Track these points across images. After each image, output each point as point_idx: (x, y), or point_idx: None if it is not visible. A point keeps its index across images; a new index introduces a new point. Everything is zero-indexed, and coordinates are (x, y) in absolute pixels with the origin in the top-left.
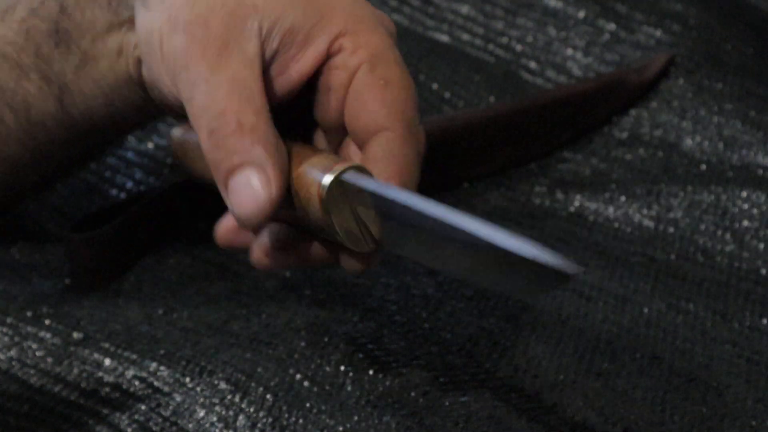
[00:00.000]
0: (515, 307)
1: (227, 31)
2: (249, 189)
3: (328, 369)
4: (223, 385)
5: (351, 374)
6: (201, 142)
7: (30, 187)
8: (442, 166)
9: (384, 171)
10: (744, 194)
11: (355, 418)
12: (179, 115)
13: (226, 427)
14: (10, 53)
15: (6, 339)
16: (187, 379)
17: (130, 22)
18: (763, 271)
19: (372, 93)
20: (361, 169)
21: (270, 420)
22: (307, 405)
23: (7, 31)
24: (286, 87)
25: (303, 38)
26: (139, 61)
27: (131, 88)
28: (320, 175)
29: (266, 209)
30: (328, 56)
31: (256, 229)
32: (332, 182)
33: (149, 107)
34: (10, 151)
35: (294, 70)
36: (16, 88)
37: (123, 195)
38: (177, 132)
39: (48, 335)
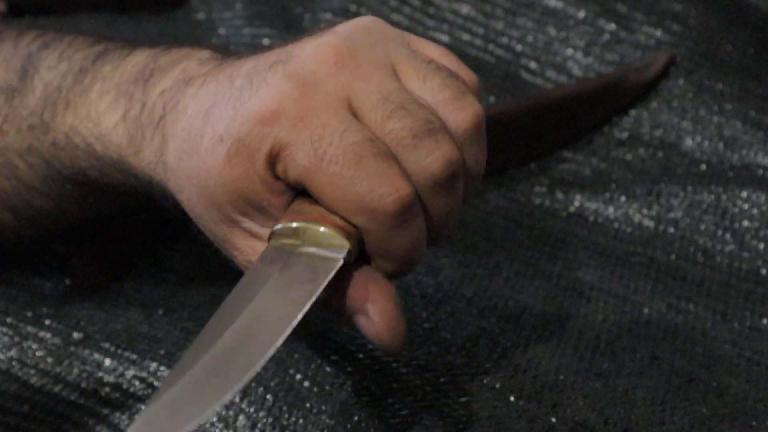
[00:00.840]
0: (515, 307)
1: None
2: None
3: (328, 369)
4: None
5: (351, 374)
6: None
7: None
8: None
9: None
10: (744, 194)
11: (355, 418)
12: None
13: (226, 427)
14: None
15: (6, 339)
16: None
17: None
18: (763, 271)
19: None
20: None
21: (270, 420)
22: (307, 405)
23: (29, 171)
24: None
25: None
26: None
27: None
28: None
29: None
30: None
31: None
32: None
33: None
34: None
35: None
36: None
37: None
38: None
39: (48, 335)
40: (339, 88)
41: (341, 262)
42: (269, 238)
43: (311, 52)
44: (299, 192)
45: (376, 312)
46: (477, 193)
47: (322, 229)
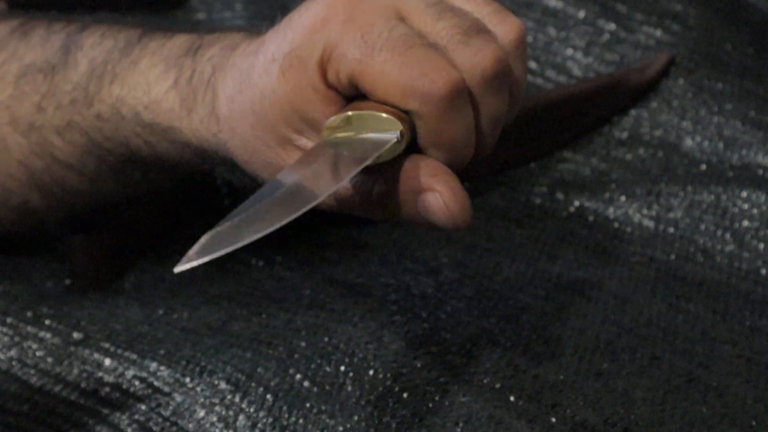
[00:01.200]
0: (515, 307)
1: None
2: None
3: (328, 369)
4: (223, 385)
5: (351, 374)
6: None
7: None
8: None
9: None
10: (744, 194)
11: (355, 418)
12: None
13: (226, 427)
14: (75, 165)
15: (6, 339)
16: (187, 379)
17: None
18: (763, 271)
19: None
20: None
21: (270, 420)
22: (307, 405)
23: (66, 146)
24: None
25: None
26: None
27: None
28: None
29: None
30: None
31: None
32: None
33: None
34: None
35: None
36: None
37: None
38: None
39: (48, 335)
40: None
41: (395, 139)
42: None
43: None
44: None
45: (444, 187)
46: (511, 120)
47: (374, 113)
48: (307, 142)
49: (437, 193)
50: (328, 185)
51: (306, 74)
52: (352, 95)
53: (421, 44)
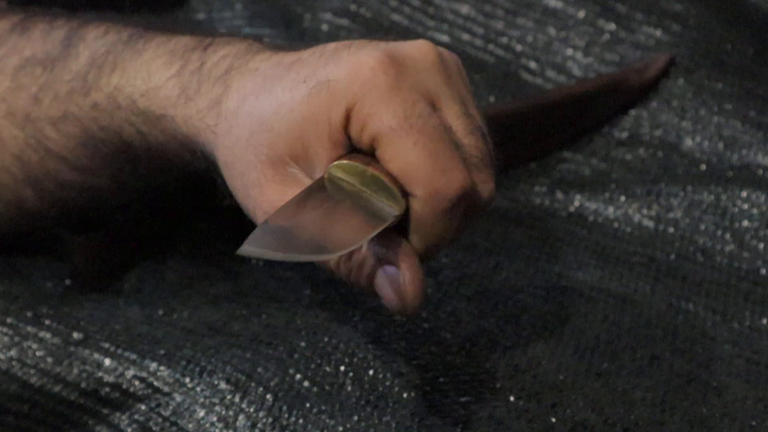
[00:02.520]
0: (515, 307)
1: None
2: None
3: (328, 369)
4: (223, 385)
5: (351, 374)
6: None
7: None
8: None
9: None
10: (744, 194)
11: (355, 418)
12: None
13: (226, 427)
14: (68, 158)
15: (6, 339)
16: (187, 379)
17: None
18: (763, 271)
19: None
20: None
21: (270, 420)
22: (307, 405)
23: (60, 138)
24: None
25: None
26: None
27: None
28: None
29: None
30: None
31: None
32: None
33: None
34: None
35: None
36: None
37: None
38: None
39: (48, 335)
40: (431, 83)
41: (392, 219)
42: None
43: (413, 44)
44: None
45: (409, 269)
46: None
47: (387, 184)
48: (294, 172)
49: (401, 271)
50: (311, 256)
51: (330, 109)
52: (358, 149)
53: (450, 143)
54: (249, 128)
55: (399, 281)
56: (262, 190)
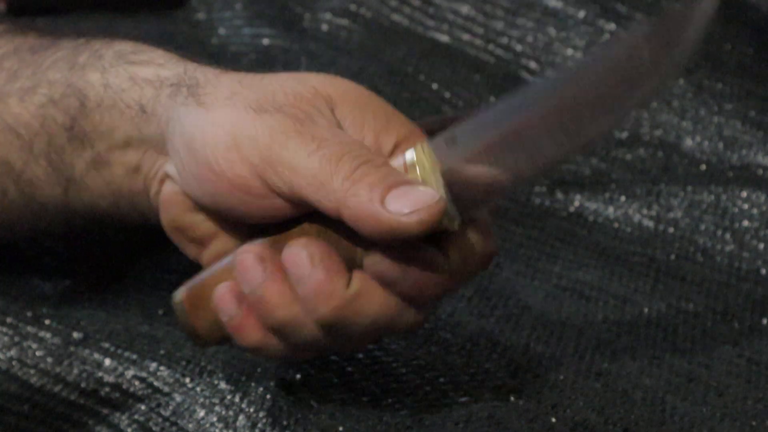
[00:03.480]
0: (515, 306)
1: (312, 109)
2: (416, 192)
3: (328, 369)
4: (223, 385)
5: (351, 374)
6: (324, 197)
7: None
8: None
9: None
10: (744, 194)
11: (355, 418)
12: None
13: (226, 427)
14: (23, 134)
15: (6, 339)
16: (187, 379)
17: (155, 146)
18: (763, 271)
19: None
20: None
21: (270, 420)
22: (307, 405)
23: (23, 112)
24: None
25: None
26: (162, 181)
27: (144, 200)
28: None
29: (441, 204)
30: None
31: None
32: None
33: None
34: (8, 218)
35: None
36: (24, 168)
37: None
38: (180, 293)
39: (48, 335)
40: None
41: None
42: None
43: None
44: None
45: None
46: None
47: None
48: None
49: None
50: None
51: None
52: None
53: None
54: (230, 123)
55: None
56: (230, 204)
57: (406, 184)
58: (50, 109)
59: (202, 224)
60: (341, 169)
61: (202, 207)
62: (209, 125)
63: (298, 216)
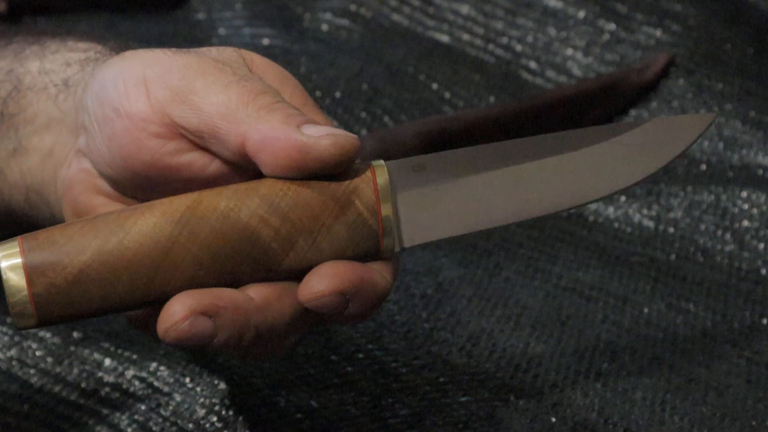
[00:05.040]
0: (515, 306)
1: (232, 60)
2: (335, 129)
3: (328, 369)
4: (223, 385)
5: (351, 374)
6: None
7: None
8: None
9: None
10: (744, 194)
11: (355, 417)
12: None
13: (226, 427)
14: None
15: (6, 339)
16: (187, 379)
17: (69, 126)
18: (763, 271)
19: None
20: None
21: (270, 420)
22: (307, 404)
23: None
24: None
25: None
26: (70, 164)
27: (52, 191)
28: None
29: (358, 142)
30: None
31: (345, 163)
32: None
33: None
34: None
35: None
36: None
37: None
38: None
39: (48, 335)
40: None
41: None
42: None
43: None
44: None
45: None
46: None
47: None
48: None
49: None
50: None
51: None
52: None
53: None
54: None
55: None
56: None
57: (326, 124)
58: None
59: (102, 209)
60: (258, 101)
61: (105, 178)
62: (121, 68)
63: None
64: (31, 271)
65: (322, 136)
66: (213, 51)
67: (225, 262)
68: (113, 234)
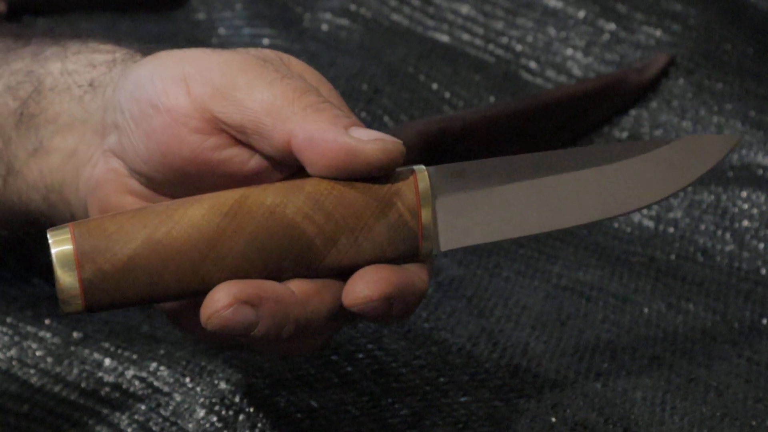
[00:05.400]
0: (515, 306)
1: (272, 59)
2: (382, 134)
3: (327, 369)
4: (223, 385)
5: (351, 374)
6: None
7: None
8: None
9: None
10: (744, 194)
11: (355, 417)
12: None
13: (226, 427)
14: None
15: (6, 339)
16: (187, 379)
17: (94, 127)
18: (763, 271)
19: None
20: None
21: (270, 420)
22: (307, 405)
23: None
24: None
25: None
26: (95, 165)
27: (73, 191)
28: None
29: (403, 147)
30: None
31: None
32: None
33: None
34: None
35: None
36: None
37: None
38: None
39: (48, 335)
40: None
41: None
42: None
43: None
44: None
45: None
46: None
47: None
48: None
49: None
50: None
51: None
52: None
53: None
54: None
55: None
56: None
57: (373, 130)
58: (5, 96)
59: (131, 208)
60: (304, 100)
61: (138, 177)
62: (158, 66)
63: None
64: (81, 257)
65: (371, 141)
66: (252, 50)
67: (269, 256)
68: (163, 224)
